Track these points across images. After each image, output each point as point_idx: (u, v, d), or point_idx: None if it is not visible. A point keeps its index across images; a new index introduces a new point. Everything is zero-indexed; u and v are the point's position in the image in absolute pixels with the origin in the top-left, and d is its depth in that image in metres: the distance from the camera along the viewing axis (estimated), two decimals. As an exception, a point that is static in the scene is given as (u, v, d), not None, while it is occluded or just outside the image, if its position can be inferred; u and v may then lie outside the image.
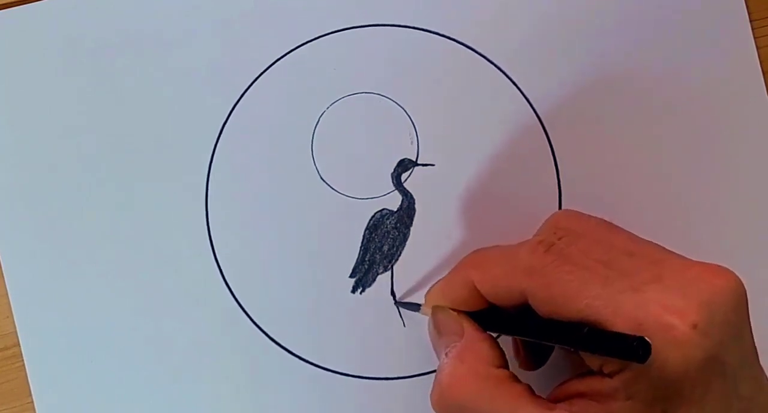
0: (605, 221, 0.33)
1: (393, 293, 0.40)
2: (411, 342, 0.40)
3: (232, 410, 0.40)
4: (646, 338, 0.28)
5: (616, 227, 0.33)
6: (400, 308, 0.40)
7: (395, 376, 0.40)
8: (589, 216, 0.34)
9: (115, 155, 0.41)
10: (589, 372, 0.31)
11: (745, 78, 0.42)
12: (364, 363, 0.40)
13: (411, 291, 0.40)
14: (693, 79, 0.42)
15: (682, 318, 0.28)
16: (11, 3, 0.41)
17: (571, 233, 0.32)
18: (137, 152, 0.41)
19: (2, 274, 0.40)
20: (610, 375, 0.30)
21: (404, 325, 0.40)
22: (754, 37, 0.42)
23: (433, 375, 0.40)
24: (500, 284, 0.33)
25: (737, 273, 0.30)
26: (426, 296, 0.37)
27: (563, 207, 0.41)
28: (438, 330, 0.35)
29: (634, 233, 0.33)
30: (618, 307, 0.29)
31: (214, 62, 0.41)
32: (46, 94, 0.41)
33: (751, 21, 0.42)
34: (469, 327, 0.34)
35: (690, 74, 0.42)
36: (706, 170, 0.41)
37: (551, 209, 0.41)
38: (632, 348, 0.28)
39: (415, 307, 0.39)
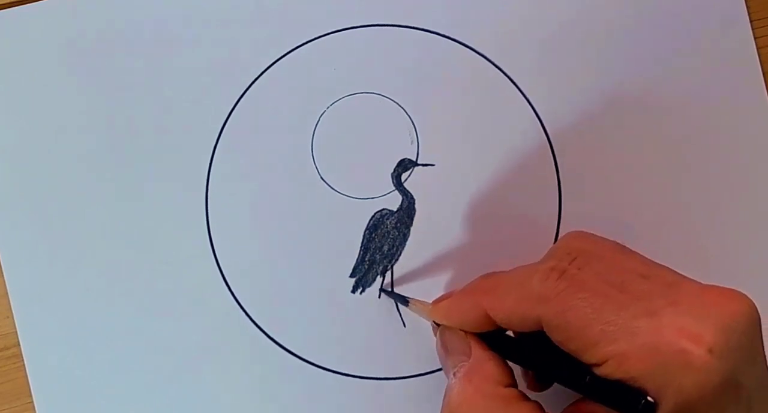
0: (618, 243, 0.33)
1: (393, 294, 0.40)
2: (411, 342, 0.40)
3: (232, 410, 0.40)
4: (650, 398, 0.28)
5: (629, 249, 0.33)
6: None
7: (395, 376, 0.40)
8: (602, 238, 0.33)
9: (115, 155, 0.41)
10: None
11: (745, 78, 0.42)
12: (364, 363, 0.40)
13: (411, 292, 0.40)
14: (693, 80, 0.42)
15: (698, 342, 0.28)
16: (11, 3, 0.41)
17: (583, 255, 0.32)
18: (137, 151, 0.41)
19: (2, 274, 0.40)
20: None
21: (404, 325, 0.40)
22: (754, 37, 0.42)
23: (433, 375, 0.40)
24: (514, 313, 0.32)
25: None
26: (432, 309, 0.36)
27: (563, 206, 0.41)
28: (445, 349, 0.35)
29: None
30: (633, 333, 0.29)
31: (214, 62, 0.41)
32: (46, 94, 0.41)
33: (751, 21, 0.42)
34: (476, 347, 0.34)
35: (690, 75, 0.42)
36: (706, 171, 0.41)
37: (551, 208, 0.41)
38: (636, 409, 0.28)
39: (403, 301, 0.38)
